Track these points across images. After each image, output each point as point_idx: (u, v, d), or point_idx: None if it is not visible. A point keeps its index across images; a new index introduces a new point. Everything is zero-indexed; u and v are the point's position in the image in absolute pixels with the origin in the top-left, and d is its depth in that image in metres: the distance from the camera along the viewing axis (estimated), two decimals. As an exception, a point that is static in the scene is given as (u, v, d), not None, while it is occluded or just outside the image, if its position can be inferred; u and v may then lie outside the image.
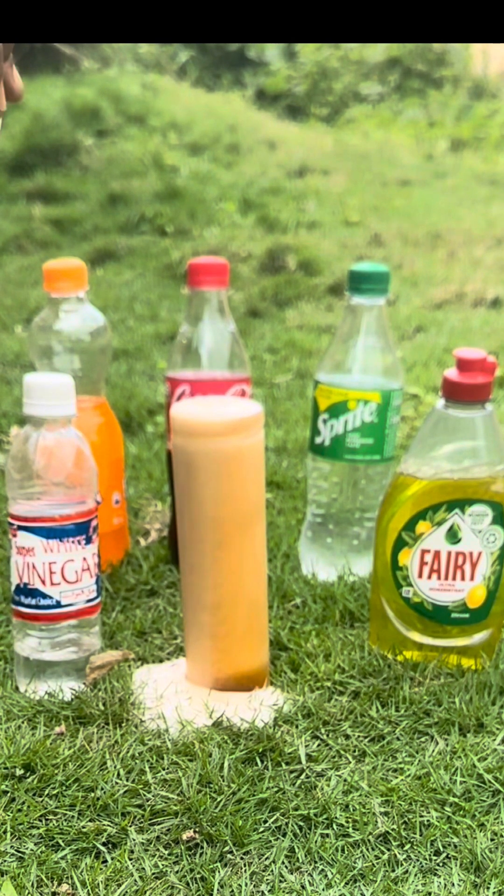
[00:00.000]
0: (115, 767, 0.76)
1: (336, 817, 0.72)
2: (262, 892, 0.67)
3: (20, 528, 0.85)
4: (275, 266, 2.58)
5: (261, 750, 0.78)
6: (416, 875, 0.68)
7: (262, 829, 0.72)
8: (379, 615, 0.92)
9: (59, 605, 0.85)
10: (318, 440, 1.05)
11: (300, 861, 0.69)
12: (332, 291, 2.41)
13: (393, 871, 0.68)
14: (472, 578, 0.89)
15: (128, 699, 0.85)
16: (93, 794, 0.74)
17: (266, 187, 3.58)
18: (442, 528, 0.88)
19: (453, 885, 0.67)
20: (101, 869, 0.68)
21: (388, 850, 0.70)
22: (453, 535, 0.88)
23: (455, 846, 0.70)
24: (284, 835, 0.71)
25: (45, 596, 0.85)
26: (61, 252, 2.79)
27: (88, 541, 0.86)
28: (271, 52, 6.56)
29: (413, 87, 5.98)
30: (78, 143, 3.70)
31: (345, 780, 0.76)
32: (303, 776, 0.77)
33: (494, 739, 0.81)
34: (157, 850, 0.70)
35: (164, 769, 0.77)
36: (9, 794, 0.74)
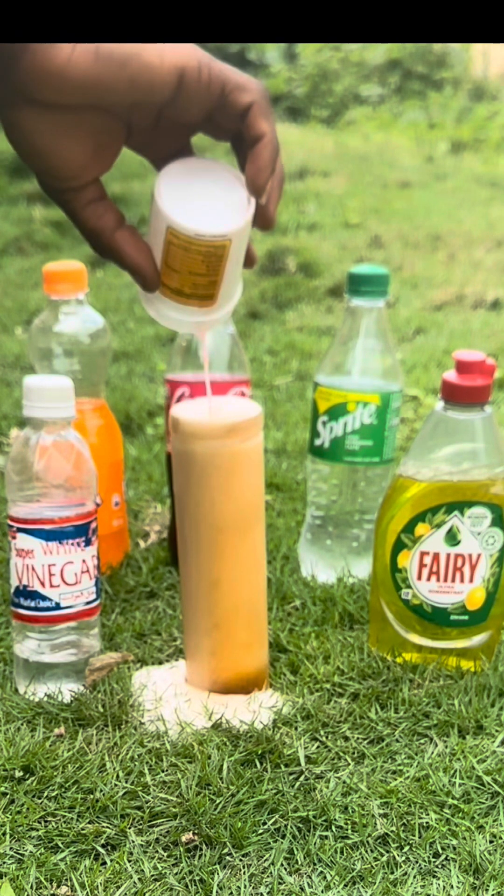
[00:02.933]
0: (114, 769, 0.76)
1: (335, 819, 0.72)
2: (262, 894, 0.67)
3: (19, 530, 0.85)
4: (275, 268, 2.58)
5: (260, 752, 0.79)
6: (415, 877, 0.68)
7: (261, 831, 0.72)
8: (378, 617, 0.92)
9: (58, 607, 0.85)
10: (317, 442, 1.06)
11: (299, 863, 0.69)
12: (332, 293, 2.41)
13: (392, 872, 0.68)
14: (471, 580, 0.89)
15: (127, 701, 0.85)
16: (92, 796, 0.74)
17: (266, 189, 3.57)
18: (441, 531, 0.88)
19: (452, 887, 0.67)
20: (100, 871, 0.68)
21: (388, 851, 0.70)
22: (452, 538, 0.88)
23: (454, 848, 0.70)
24: (283, 836, 0.71)
25: (44, 598, 0.85)
26: (61, 254, 2.79)
27: (88, 543, 0.86)
28: (272, 53, 6.57)
29: (413, 89, 5.98)
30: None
31: (344, 782, 0.76)
32: (302, 778, 0.77)
33: (493, 741, 0.81)
34: (157, 851, 0.70)
35: (163, 771, 0.77)
36: (8, 796, 0.75)
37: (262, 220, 0.70)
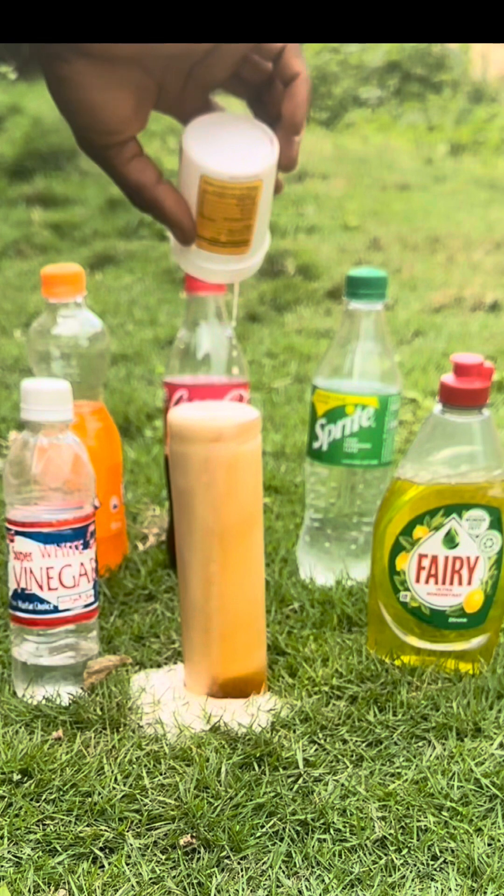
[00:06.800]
0: (112, 772, 0.76)
1: (333, 822, 0.72)
2: (259, 897, 0.67)
3: (17, 533, 0.85)
4: (274, 270, 2.58)
5: (258, 755, 0.79)
6: (413, 880, 0.68)
7: (259, 834, 0.72)
8: (377, 620, 0.92)
9: (56, 610, 0.85)
10: (315, 445, 1.06)
11: (297, 866, 0.69)
12: (331, 296, 2.41)
13: (390, 875, 0.68)
14: (469, 583, 0.89)
15: (125, 704, 0.85)
16: (90, 799, 0.74)
17: (265, 191, 3.56)
18: (439, 533, 0.88)
19: (450, 890, 0.67)
20: (98, 874, 0.68)
21: (386, 854, 0.70)
22: (451, 540, 0.88)
23: (452, 851, 0.70)
24: (282, 840, 0.71)
25: (42, 601, 0.85)
26: (61, 256, 2.79)
27: (86, 546, 0.86)
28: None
29: (412, 91, 5.97)
30: (77, 148, 3.70)
31: (342, 785, 0.76)
32: (300, 781, 0.77)
33: (492, 744, 0.81)
34: (155, 855, 0.70)
35: (161, 774, 0.77)
36: (6, 799, 0.74)
37: (287, 160, 0.74)
